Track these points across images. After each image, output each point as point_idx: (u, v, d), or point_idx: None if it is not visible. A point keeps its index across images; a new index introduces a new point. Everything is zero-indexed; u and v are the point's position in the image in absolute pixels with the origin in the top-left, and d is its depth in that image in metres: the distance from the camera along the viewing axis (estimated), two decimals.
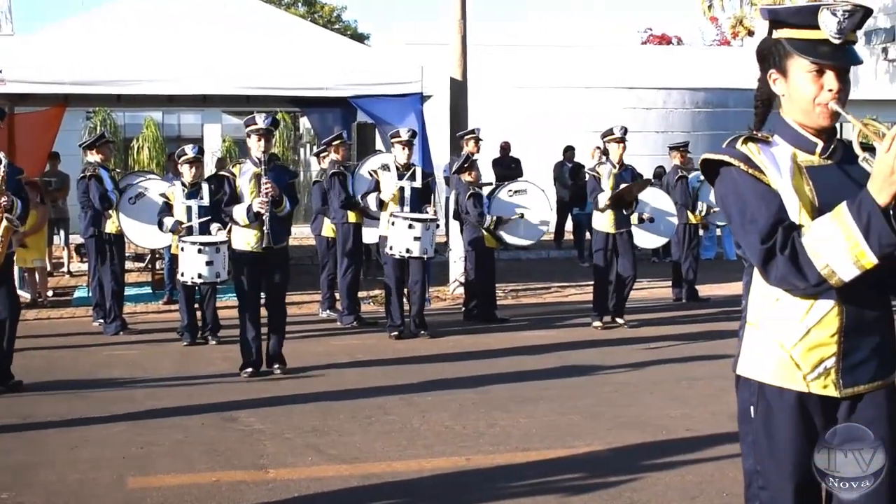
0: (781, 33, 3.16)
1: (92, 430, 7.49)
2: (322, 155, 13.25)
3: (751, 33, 35.12)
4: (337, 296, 12.56)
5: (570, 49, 30.95)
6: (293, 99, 16.32)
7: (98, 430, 7.49)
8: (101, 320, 11.80)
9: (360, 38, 43.51)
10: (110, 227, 11.64)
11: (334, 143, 12.45)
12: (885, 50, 39.34)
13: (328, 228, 12.64)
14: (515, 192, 12.55)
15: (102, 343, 11.11)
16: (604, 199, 11.66)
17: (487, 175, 17.47)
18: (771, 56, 3.20)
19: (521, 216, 12.30)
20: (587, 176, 12.33)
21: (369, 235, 13.09)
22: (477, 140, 13.11)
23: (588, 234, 15.76)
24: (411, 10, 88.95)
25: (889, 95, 35.85)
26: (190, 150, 11.17)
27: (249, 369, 9.30)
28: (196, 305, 11.10)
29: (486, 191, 12.63)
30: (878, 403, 3.18)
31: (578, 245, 19.22)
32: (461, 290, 13.70)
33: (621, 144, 11.82)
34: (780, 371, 3.15)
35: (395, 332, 11.17)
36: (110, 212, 11.55)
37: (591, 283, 13.02)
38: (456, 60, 15.94)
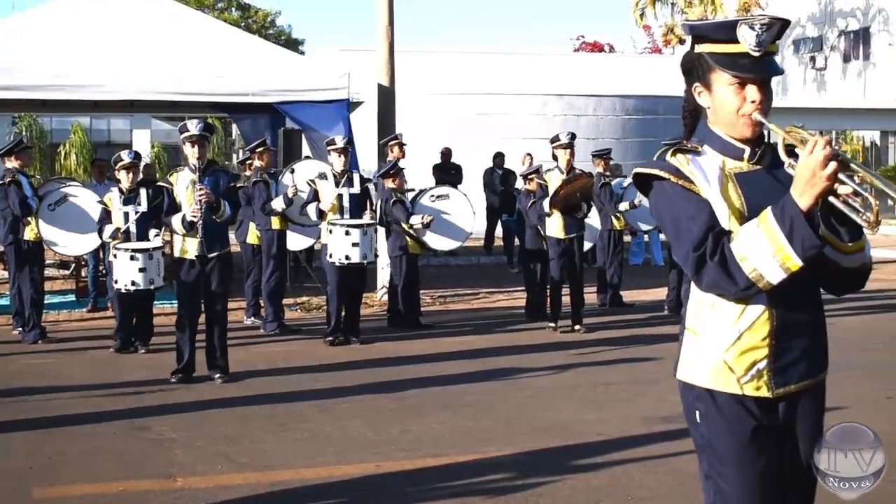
0: (703, 48, 3.23)
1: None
2: (248, 162, 13.19)
3: (682, 41, 35.63)
4: (262, 302, 12.50)
5: (503, 56, 31.11)
6: (222, 105, 16.22)
7: (5, 439, 7.38)
8: (21, 328, 11.63)
9: (295, 43, 43.44)
10: (29, 234, 11.48)
11: (258, 150, 12.41)
12: (812, 59, 40.04)
13: (253, 235, 12.56)
14: (438, 197, 12.58)
15: (20, 352, 10.94)
16: (548, 205, 11.72)
17: (428, 181, 17.50)
18: (694, 70, 3.28)
19: (433, 219, 12.25)
20: (524, 182, 12.39)
21: (296, 242, 13.04)
22: (401, 146, 13.10)
23: (517, 241, 15.84)
24: (347, 16, 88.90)
25: (817, 103, 36.38)
26: (126, 156, 11.03)
27: (180, 374, 9.24)
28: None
29: (410, 196, 12.65)
30: (812, 397, 3.34)
31: (508, 251, 19.27)
32: None
33: (568, 150, 11.91)
34: (715, 375, 3.23)
35: (330, 339, 11.11)
36: (29, 219, 11.39)
37: (521, 289, 13.16)
38: (383, 67, 15.93)
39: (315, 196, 11.24)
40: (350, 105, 14.60)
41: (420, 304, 12.87)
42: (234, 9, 45.27)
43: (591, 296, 14.54)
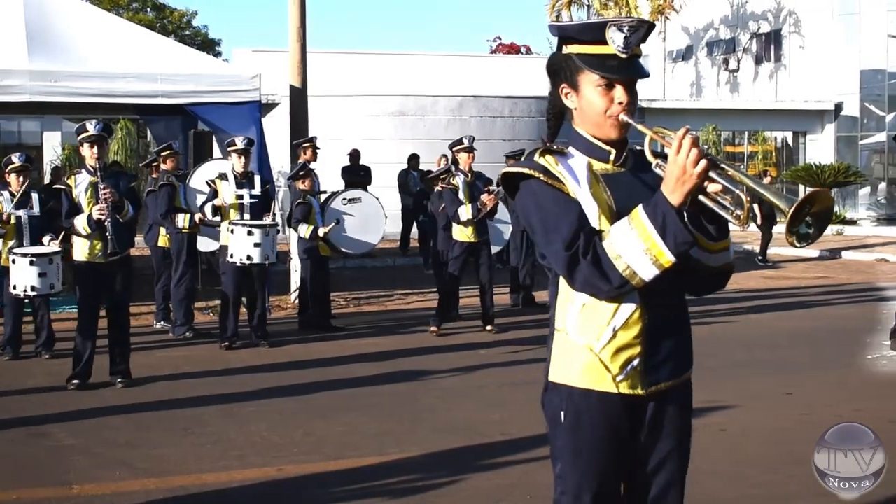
0: (571, 49, 3.23)
1: None
2: (154, 165, 13.05)
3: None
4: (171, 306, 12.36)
5: (419, 57, 31.15)
6: (134, 107, 16.01)
7: None
8: None
9: (211, 44, 43.03)
10: None
11: (163, 153, 12.29)
12: (725, 61, 40.60)
13: (163, 238, 12.43)
14: (350, 200, 12.56)
15: None
16: (465, 213, 11.74)
17: (338, 183, 17.47)
18: (562, 71, 3.27)
19: (337, 222, 12.23)
20: (438, 186, 12.42)
21: (206, 244, 12.93)
22: (314, 149, 13.04)
23: (433, 242, 15.86)
24: (263, 17, 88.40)
25: (730, 105, 36.92)
26: (17, 159, 10.86)
27: (77, 381, 9.08)
28: (28, 318, 10.78)
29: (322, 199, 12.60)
30: (679, 397, 3.33)
31: (424, 252, 19.28)
32: None
33: (470, 154, 11.99)
34: (589, 374, 3.21)
35: (226, 343, 11.04)
36: None
37: (436, 289, 13.15)
38: (295, 68, 15.85)
39: (214, 196, 11.17)
40: (263, 107, 14.50)
41: (331, 307, 12.82)
42: (149, 9, 44.73)
43: (504, 297, 14.64)
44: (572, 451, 3.25)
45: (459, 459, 6.81)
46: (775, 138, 37.46)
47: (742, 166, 30.87)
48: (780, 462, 6.71)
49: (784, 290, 16.47)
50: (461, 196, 11.81)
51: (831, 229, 26.55)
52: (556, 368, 3.31)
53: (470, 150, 12.03)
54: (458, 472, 6.51)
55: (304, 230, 11.96)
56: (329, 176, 17.77)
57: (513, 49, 49.23)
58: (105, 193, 8.84)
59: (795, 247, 2.99)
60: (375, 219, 12.69)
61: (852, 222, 30.20)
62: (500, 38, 51.17)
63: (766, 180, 22.91)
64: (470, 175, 11.94)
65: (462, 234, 11.97)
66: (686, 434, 3.39)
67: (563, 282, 3.23)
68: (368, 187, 18.39)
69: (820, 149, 35.54)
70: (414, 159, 20.55)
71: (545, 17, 40.53)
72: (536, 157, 3.26)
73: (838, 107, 35.72)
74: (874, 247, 23.46)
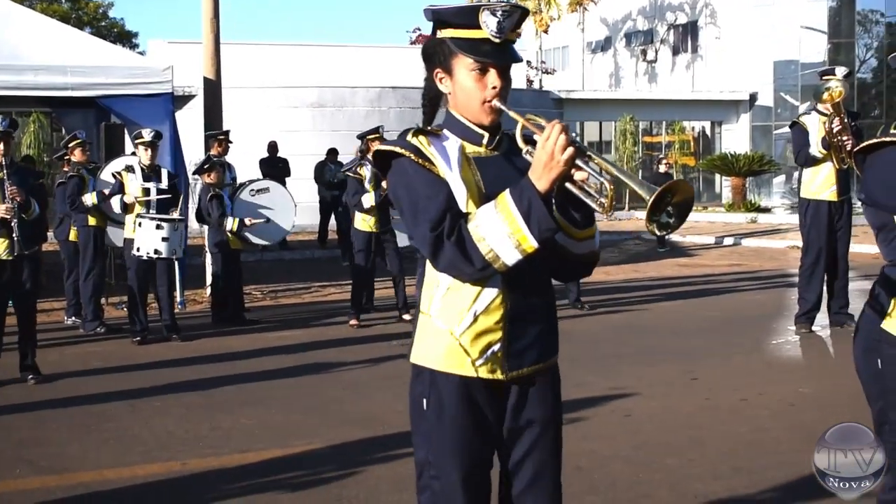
0: (445, 33, 3.23)
1: None
2: (66, 158, 12.85)
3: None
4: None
5: (338, 48, 31.05)
6: (46, 99, 15.75)
7: None
8: None
9: (128, 35, 42.47)
10: None
11: (70, 145, 12.12)
12: (643, 52, 41.02)
13: (73, 233, 12.26)
14: (258, 191, 12.48)
15: None
16: (368, 200, 11.73)
17: (256, 175, 17.35)
18: (436, 55, 3.27)
19: (267, 220, 12.23)
20: (346, 176, 12.41)
21: (117, 238, 12.77)
22: (224, 142, 12.97)
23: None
24: (179, 8, 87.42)
25: (648, 95, 37.36)
26: None
27: None
28: None
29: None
30: (544, 384, 3.35)
31: (342, 244, 19.25)
32: None
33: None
34: (449, 358, 3.22)
35: (138, 338, 10.93)
36: None
37: (350, 282, 13.16)
38: (209, 60, 15.74)
39: (121, 189, 11.05)
40: (179, 99, 14.36)
41: (244, 300, 12.76)
42: (63, 0, 43.96)
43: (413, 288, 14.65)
44: (438, 437, 3.25)
45: (364, 450, 6.82)
46: (692, 128, 37.97)
47: (661, 156, 31.28)
48: (682, 446, 6.82)
49: (697, 277, 16.70)
50: (367, 186, 11.81)
51: (745, 217, 27.01)
52: (417, 351, 3.32)
53: (382, 139, 12.03)
54: (363, 462, 6.51)
55: (230, 223, 11.85)
56: (247, 168, 17.66)
57: None
58: (11, 192, 8.68)
59: (655, 235, 3.04)
60: (284, 209, 12.63)
61: (766, 210, 30.69)
62: (419, 30, 51.05)
63: (663, 169, 23.14)
64: None
65: (364, 223, 11.99)
66: (553, 421, 3.39)
67: (429, 265, 3.24)
68: (287, 179, 18.34)
69: (736, 138, 36.12)
70: (332, 153, 20.51)
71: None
72: (409, 137, 3.26)
73: (753, 97, 36.33)
74: (787, 233, 23.85)
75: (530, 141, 3.17)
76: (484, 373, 3.23)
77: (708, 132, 38.01)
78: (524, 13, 3.24)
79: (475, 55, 3.17)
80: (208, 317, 12.65)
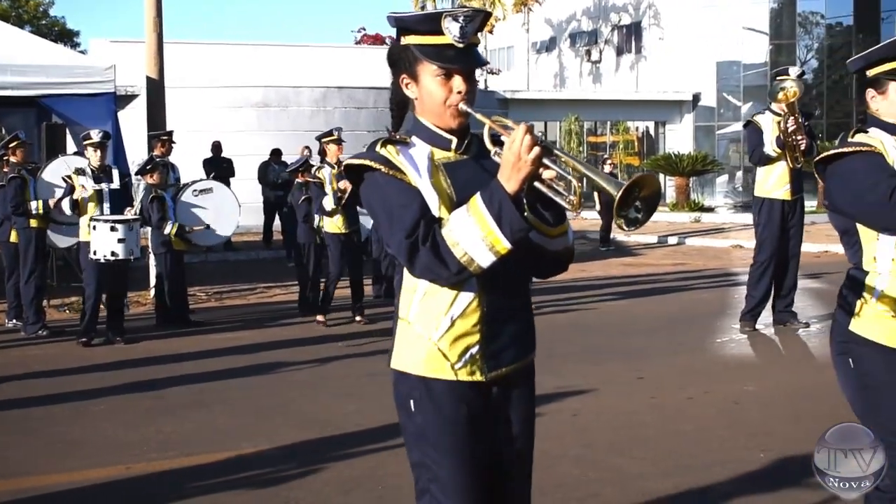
0: (409, 39, 3.25)
1: None
2: (5, 159, 12.66)
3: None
4: None
5: (282, 48, 30.91)
6: None
7: None
8: None
9: (69, 34, 42.00)
10: None
11: (10, 145, 11.94)
12: (588, 52, 41.24)
13: (14, 234, 12.08)
14: (201, 191, 12.38)
15: None
16: (328, 203, 11.74)
17: (200, 175, 17.22)
18: (401, 61, 3.30)
19: (207, 227, 12.14)
20: (290, 177, 12.38)
21: (62, 240, 12.63)
22: (167, 142, 12.84)
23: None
24: (121, 6, 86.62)
25: (593, 95, 37.53)
26: None
27: None
28: None
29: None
30: (522, 382, 3.41)
31: (287, 245, 19.16)
32: None
33: (339, 145, 12.04)
34: (429, 362, 3.25)
35: (85, 339, 10.80)
36: None
37: (296, 283, 13.15)
38: (152, 59, 15.57)
39: (72, 191, 10.92)
40: (121, 98, 14.21)
41: (188, 301, 12.65)
42: None
43: (367, 287, 14.63)
44: (431, 439, 3.29)
45: (312, 452, 6.79)
46: (637, 128, 38.25)
47: (605, 156, 31.46)
48: (628, 445, 6.87)
49: (642, 276, 16.81)
50: (327, 188, 11.80)
51: (689, 216, 27.25)
52: (397, 357, 3.35)
53: (339, 141, 12.11)
54: (311, 464, 6.49)
55: (169, 228, 11.75)
56: (190, 168, 17.52)
57: (377, 40, 49.18)
58: None
59: (623, 230, 3.07)
60: (228, 210, 12.54)
61: (710, 210, 30.98)
62: (364, 29, 51.19)
63: (606, 169, 23.34)
64: (338, 167, 11.93)
65: (334, 226, 12.03)
66: (531, 418, 3.47)
67: (406, 272, 3.27)
68: (231, 179, 18.23)
69: (679, 138, 36.41)
70: (276, 153, 20.44)
71: (411, 8, 40.52)
72: (378, 148, 3.28)
73: (696, 97, 36.65)
74: (730, 232, 24.11)
75: (499, 142, 3.21)
76: (464, 375, 3.27)
77: (652, 132, 38.30)
78: (486, 16, 3.27)
79: (439, 61, 3.20)
80: (152, 319, 12.52)
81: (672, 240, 22.96)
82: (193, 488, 6.11)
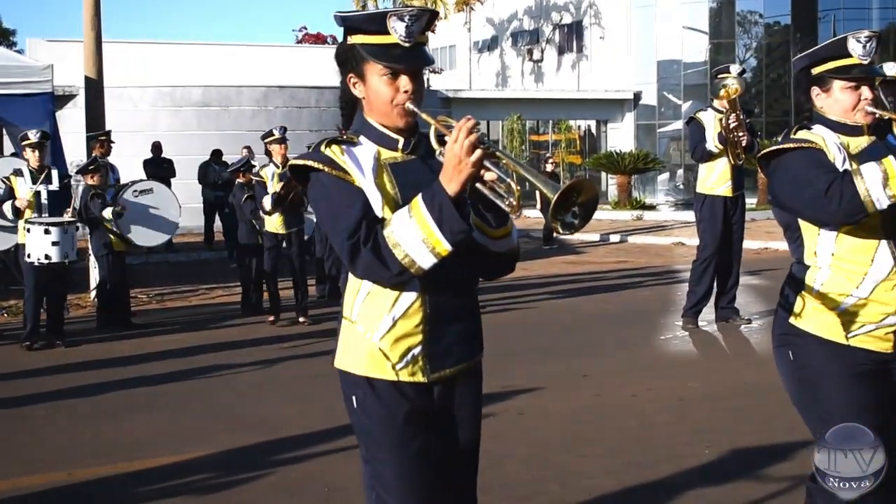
0: (356, 39, 3.25)
1: None
2: None
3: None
4: None
5: (223, 47, 30.70)
6: None
7: None
8: None
9: (5, 33, 41.41)
10: None
11: None
12: (529, 51, 41.38)
13: None
14: (141, 192, 12.22)
15: None
16: (267, 202, 11.69)
17: (139, 176, 17.02)
18: (349, 61, 3.29)
19: (123, 208, 11.89)
20: (230, 177, 12.31)
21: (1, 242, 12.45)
22: (106, 143, 12.70)
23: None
24: (59, 5, 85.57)
25: (535, 94, 37.66)
26: None
27: None
28: None
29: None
30: (468, 383, 3.41)
31: (229, 246, 19.03)
32: None
33: (282, 145, 11.95)
34: (371, 362, 3.26)
35: (28, 343, 10.63)
36: None
37: (238, 284, 13.06)
38: (90, 59, 15.41)
39: (10, 194, 10.75)
40: (59, 98, 14.03)
41: (130, 304, 12.51)
42: None
43: (310, 288, 14.55)
44: (374, 438, 3.31)
45: (256, 455, 6.74)
46: (578, 127, 38.44)
47: (547, 154, 31.57)
48: (574, 443, 6.89)
49: (585, 274, 16.87)
50: (269, 187, 11.76)
51: (631, 214, 27.43)
52: (340, 356, 3.37)
53: (282, 141, 12.04)
54: (255, 467, 6.44)
55: (109, 212, 11.60)
56: (130, 169, 17.32)
57: (319, 39, 49.06)
58: None
59: (559, 233, 3.07)
60: (169, 210, 12.41)
61: (651, 207, 31.20)
62: (305, 28, 51.08)
63: (549, 168, 23.43)
64: (282, 166, 11.87)
65: (271, 225, 12.01)
66: (477, 418, 3.48)
67: (351, 272, 3.27)
68: (171, 180, 18.05)
69: (621, 137, 36.66)
70: (216, 154, 20.31)
71: (352, 7, 40.42)
72: (323, 148, 3.27)
73: (637, 96, 36.90)
74: (672, 230, 24.31)
75: (444, 142, 3.18)
76: (405, 376, 3.28)
77: (593, 131, 38.51)
78: (433, 16, 3.28)
79: (386, 61, 3.20)
80: (93, 321, 12.36)
81: (614, 238, 23.09)
82: (137, 494, 6.04)
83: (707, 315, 11.23)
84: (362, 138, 3.31)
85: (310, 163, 3.22)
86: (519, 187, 3.04)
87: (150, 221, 12.14)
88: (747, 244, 11.49)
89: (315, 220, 13.43)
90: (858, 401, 3.85)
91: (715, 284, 11.13)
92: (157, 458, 6.69)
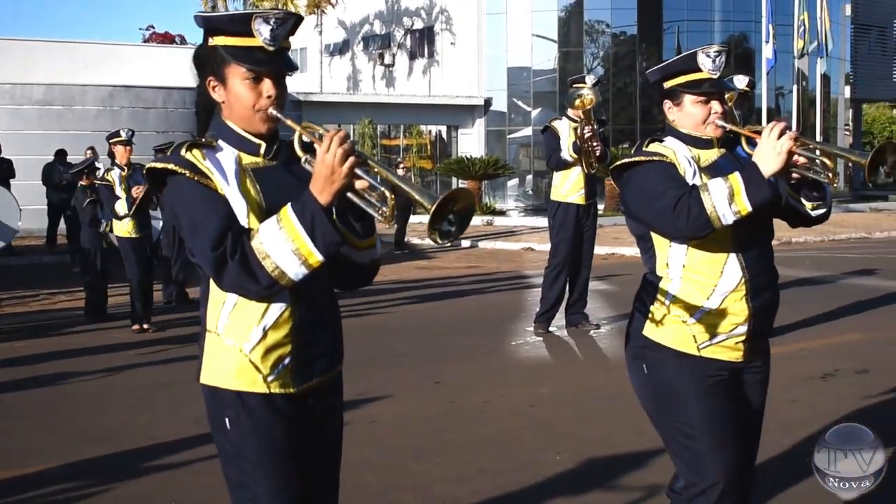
0: (217, 41, 3.14)
1: None
2: None
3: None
4: None
5: (67, 45, 29.85)
6: None
7: None
8: None
9: None
10: None
11: None
12: (381, 56, 41.40)
13: None
14: None
15: None
16: (121, 208, 11.47)
17: None
18: (209, 63, 3.18)
19: None
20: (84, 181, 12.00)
21: None
22: None
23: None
24: None
25: (386, 99, 37.69)
26: None
27: None
28: None
29: None
30: (331, 391, 3.38)
31: (71, 249, 18.50)
32: None
33: (127, 147, 11.70)
34: (241, 375, 3.16)
35: None
36: None
37: (81, 288, 12.71)
38: None
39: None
40: None
41: None
42: None
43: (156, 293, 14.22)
44: (250, 458, 3.19)
45: (103, 467, 6.52)
46: (430, 132, 38.60)
47: (398, 159, 31.63)
48: (428, 450, 6.87)
49: (436, 279, 16.93)
50: (118, 191, 11.45)
51: (481, 220, 27.67)
52: (207, 371, 3.24)
53: (128, 143, 11.77)
54: (101, 480, 6.22)
55: None
56: None
57: (167, 38, 48.13)
58: None
59: (437, 243, 3.03)
60: (7, 212, 11.98)
61: (501, 213, 31.52)
62: (153, 27, 50.00)
63: (401, 172, 23.52)
64: (127, 168, 11.58)
65: (123, 230, 11.70)
66: (340, 428, 3.47)
67: (213, 283, 3.15)
68: (11, 181, 17.47)
69: (471, 142, 36.97)
70: (60, 154, 19.72)
71: (200, 7, 39.82)
72: (183, 152, 3.15)
73: (488, 102, 37.26)
74: (521, 235, 24.60)
75: (309, 149, 3.12)
76: (276, 388, 3.19)
77: (444, 136, 38.72)
78: (298, 20, 3.19)
79: (249, 64, 3.11)
80: None
81: (465, 243, 23.23)
82: None
83: (558, 321, 11.35)
84: (221, 142, 3.21)
85: (170, 167, 3.10)
86: (392, 196, 2.98)
87: None
88: (595, 250, 11.67)
89: (163, 221, 13.20)
90: (717, 411, 3.92)
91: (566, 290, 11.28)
92: None
